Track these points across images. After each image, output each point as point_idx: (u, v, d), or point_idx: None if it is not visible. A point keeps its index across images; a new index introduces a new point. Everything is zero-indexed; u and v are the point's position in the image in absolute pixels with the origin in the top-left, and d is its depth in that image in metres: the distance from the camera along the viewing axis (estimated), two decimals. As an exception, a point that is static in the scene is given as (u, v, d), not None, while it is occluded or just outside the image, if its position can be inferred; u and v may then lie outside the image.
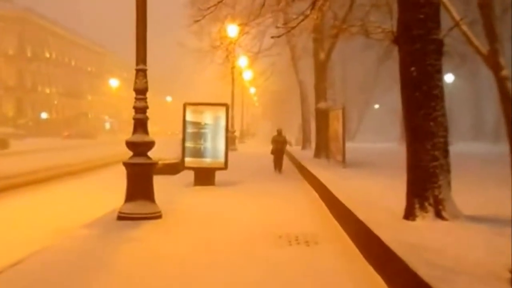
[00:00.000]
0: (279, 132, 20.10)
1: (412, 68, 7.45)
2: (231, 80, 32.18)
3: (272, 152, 19.71)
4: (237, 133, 44.52)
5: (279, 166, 19.51)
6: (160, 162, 20.22)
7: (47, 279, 5.86)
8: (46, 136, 59.22)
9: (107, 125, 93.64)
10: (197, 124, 14.48)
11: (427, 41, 7.37)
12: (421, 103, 7.40)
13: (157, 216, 9.41)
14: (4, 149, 37.06)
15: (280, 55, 28.96)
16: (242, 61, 39.05)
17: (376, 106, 70.51)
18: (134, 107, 9.52)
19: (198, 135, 14.47)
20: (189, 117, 14.47)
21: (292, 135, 58.32)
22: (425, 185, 7.35)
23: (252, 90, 69.96)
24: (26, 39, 70.35)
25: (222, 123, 14.51)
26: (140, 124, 9.51)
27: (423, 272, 4.66)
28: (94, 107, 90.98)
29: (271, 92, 63.26)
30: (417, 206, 7.35)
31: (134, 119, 9.56)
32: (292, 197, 12.74)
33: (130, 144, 9.51)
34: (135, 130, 9.53)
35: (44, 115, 73.09)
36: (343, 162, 17.17)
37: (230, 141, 35.08)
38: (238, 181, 15.69)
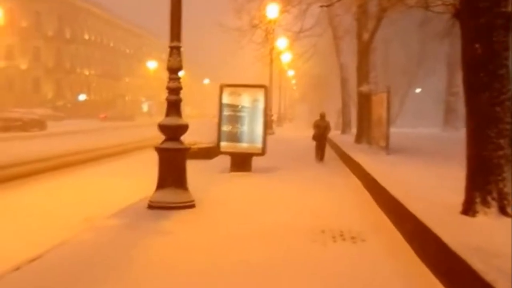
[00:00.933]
0: (322, 116, 18.28)
1: (476, 45, 6.57)
2: (270, 61, 31.24)
3: (314, 138, 17.96)
4: (274, 117, 43.75)
5: (321, 154, 17.75)
6: (195, 146, 20.01)
7: (65, 277, 5.29)
8: (84, 118, 59.46)
9: (145, 107, 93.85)
10: (234, 107, 13.77)
11: (494, 14, 6.47)
12: (485, 84, 6.52)
13: (190, 205, 8.79)
14: (41, 131, 37.17)
15: (321, 36, 27.94)
16: (281, 43, 38.24)
17: (418, 90, 68.73)
18: (167, 88, 8.88)
19: (235, 118, 13.77)
20: (225, 99, 13.78)
21: (331, 120, 57.14)
22: (488, 177, 6.51)
23: (291, 73, 69.14)
24: (65, 20, 70.63)
25: (260, 106, 13.78)
26: (173, 106, 8.87)
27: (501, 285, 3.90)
28: (132, 89, 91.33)
29: (310, 76, 62.12)
30: (478, 200, 6.53)
31: (167, 100, 8.92)
32: (334, 186, 11.98)
33: (162, 128, 8.88)
34: (168, 113, 8.89)
35: (82, 97, 73.46)
36: (387, 148, 16.27)
37: (267, 125, 34.67)
38: (276, 167, 14.99)
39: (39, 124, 38.90)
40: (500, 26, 6.49)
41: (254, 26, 21.42)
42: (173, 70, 8.79)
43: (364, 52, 21.93)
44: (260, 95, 13.77)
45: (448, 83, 37.61)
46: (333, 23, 27.02)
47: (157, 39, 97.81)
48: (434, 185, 9.19)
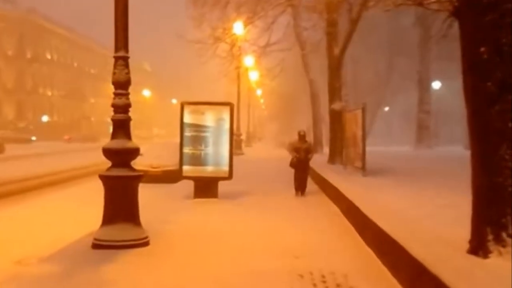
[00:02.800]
0: (302, 136, 14.23)
1: (482, 49, 5.39)
2: (237, 77, 29.96)
3: (292, 165, 13.99)
4: (243, 136, 42.50)
5: (303, 186, 13.98)
6: (159, 169, 18.64)
7: None
8: (47, 139, 57.38)
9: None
10: (196, 127, 12.46)
11: (502, 11, 5.33)
12: (494, 96, 5.34)
13: (142, 243, 7.43)
14: (-1, 154, 35.14)
15: (289, 51, 26.85)
16: (249, 60, 37.23)
17: (386, 108, 68.45)
18: (113, 105, 7.55)
19: (198, 139, 12.45)
20: (187, 118, 12.45)
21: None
22: (503, 209, 5.31)
23: (259, 92, 68.17)
24: (27, 39, 68.56)
25: (226, 125, 12.49)
26: (121, 127, 7.53)
27: None
28: (97, 110, 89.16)
29: (279, 94, 61.34)
30: (490, 237, 5.31)
31: (113, 120, 7.57)
32: (310, 214, 10.74)
33: (107, 152, 7.52)
34: (114, 135, 7.55)
35: (45, 118, 71.18)
36: (363, 169, 15.09)
37: (236, 145, 33.55)
38: (246, 192, 13.71)
39: (-3, 146, 36.82)
40: (509, 26, 5.36)
41: (218, 39, 20.06)
42: (119, 85, 7.45)
43: (335, 67, 20.86)
44: (225, 113, 12.48)
45: (419, 100, 36.93)
46: (301, 38, 26.03)
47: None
48: (425, 214, 8.00)
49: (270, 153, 36.76)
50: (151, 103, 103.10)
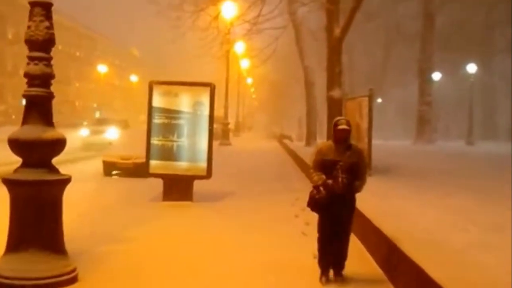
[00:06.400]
0: (344, 134, 5.59)
1: None
2: (225, 58, 27.24)
3: (315, 204, 5.56)
4: (231, 126, 39.94)
5: (339, 260, 5.59)
6: (130, 161, 16.07)
7: None
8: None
9: (97, 114, 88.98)
10: (168, 112, 10.00)
11: None
12: None
13: (65, 280, 5.01)
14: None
15: (282, 35, 24.26)
16: (239, 46, 34.82)
17: (379, 100, 66.13)
18: (26, 74, 5.10)
19: (170, 128, 9.99)
20: (156, 101, 9.99)
21: (292, 130, 54.19)
22: None
23: (249, 80, 65.70)
24: (8, 19, 65.56)
25: (205, 111, 10.03)
26: (36, 106, 5.07)
27: None
28: (82, 94, 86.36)
29: (270, 82, 58.99)
30: None
31: (25, 96, 5.12)
32: (310, 222, 8.33)
33: (15, 144, 5.04)
34: (26, 118, 5.09)
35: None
36: (369, 169, 12.68)
37: (223, 135, 31.07)
38: (229, 192, 11.30)
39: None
40: None
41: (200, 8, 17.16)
42: (36, 44, 4.99)
43: (335, 50, 18.36)
44: (204, 96, 10.01)
45: (420, 91, 34.58)
46: (296, 18, 23.62)
47: (110, 43, 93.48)
48: (472, 242, 5.65)
49: (260, 144, 34.29)
50: (138, 88, 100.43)
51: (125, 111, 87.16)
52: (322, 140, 26.09)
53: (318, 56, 27.92)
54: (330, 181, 5.38)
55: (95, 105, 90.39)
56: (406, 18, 40.95)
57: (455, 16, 38.98)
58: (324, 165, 5.47)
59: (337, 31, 18.10)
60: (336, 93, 18.25)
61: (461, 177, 12.93)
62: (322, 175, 5.45)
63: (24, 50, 5.11)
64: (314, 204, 5.50)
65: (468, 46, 39.68)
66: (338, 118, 5.79)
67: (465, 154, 23.75)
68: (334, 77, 18.46)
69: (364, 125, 13.54)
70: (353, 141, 14.05)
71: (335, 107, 18.21)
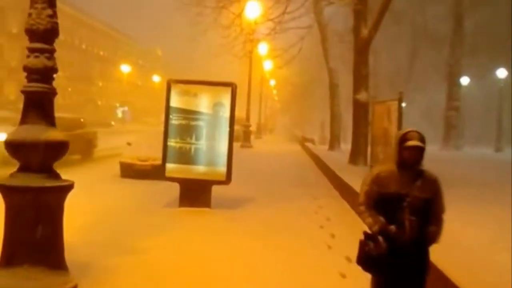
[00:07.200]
0: (416, 152, 3.80)
1: None
2: (248, 59, 26.66)
3: (367, 263, 3.84)
4: (253, 128, 39.36)
5: None
6: (148, 163, 15.59)
7: None
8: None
9: (119, 113, 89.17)
10: (186, 113, 9.46)
11: None
12: None
13: (64, 298, 4.48)
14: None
15: (307, 36, 23.66)
16: (262, 48, 34.25)
17: (403, 104, 65.05)
18: (25, 68, 4.62)
19: (188, 130, 9.45)
20: (174, 101, 9.47)
21: (314, 133, 53.53)
22: None
23: (272, 82, 65.20)
24: (8, 12, 65.80)
25: (226, 113, 9.49)
26: (36, 104, 4.56)
27: None
28: (105, 94, 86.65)
29: (293, 84, 58.31)
30: None
31: (24, 92, 4.62)
32: (335, 234, 7.71)
33: (12, 146, 4.53)
34: (24, 117, 4.58)
35: (49, 100, 68.57)
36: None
37: (245, 137, 30.52)
38: (248, 198, 10.73)
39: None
40: None
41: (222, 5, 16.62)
42: (37, 34, 4.49)
43: (362, 52, 17.79)
44: (225, 97, 9.44)
45: (448, 96, 33.67)
46: (322, 18, 22.98)
47: (134, 43, 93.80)
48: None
49: (282, 147, 33.67)
50: (159, 88, 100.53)
51: (147, 111, 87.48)
52: (344, 144, 25.52)
53: (342, 58, 27.25)
54: (393, 227, 3.69)
55: (117, 105, 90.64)
56: (434, 21, 40.05)
57: (484, 19, 38.01)
58: (383, 201, 3.75)
59: (364, 32, 17.50)
60: (362, 96, 17.64)
61: (496, 187, 12.23)
62: (379, 216, 3.74)
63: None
64: (369, 261, 3.75)
65: (496, 51, 38.65)
66: (407, 130, 3.87)
67: (495, 161, 22.92)
68: (360, 80, 17.86)
69: (393, 129, 12.87)
70: (379, 146, 13.05)
71: (361, 110, 17.62)
